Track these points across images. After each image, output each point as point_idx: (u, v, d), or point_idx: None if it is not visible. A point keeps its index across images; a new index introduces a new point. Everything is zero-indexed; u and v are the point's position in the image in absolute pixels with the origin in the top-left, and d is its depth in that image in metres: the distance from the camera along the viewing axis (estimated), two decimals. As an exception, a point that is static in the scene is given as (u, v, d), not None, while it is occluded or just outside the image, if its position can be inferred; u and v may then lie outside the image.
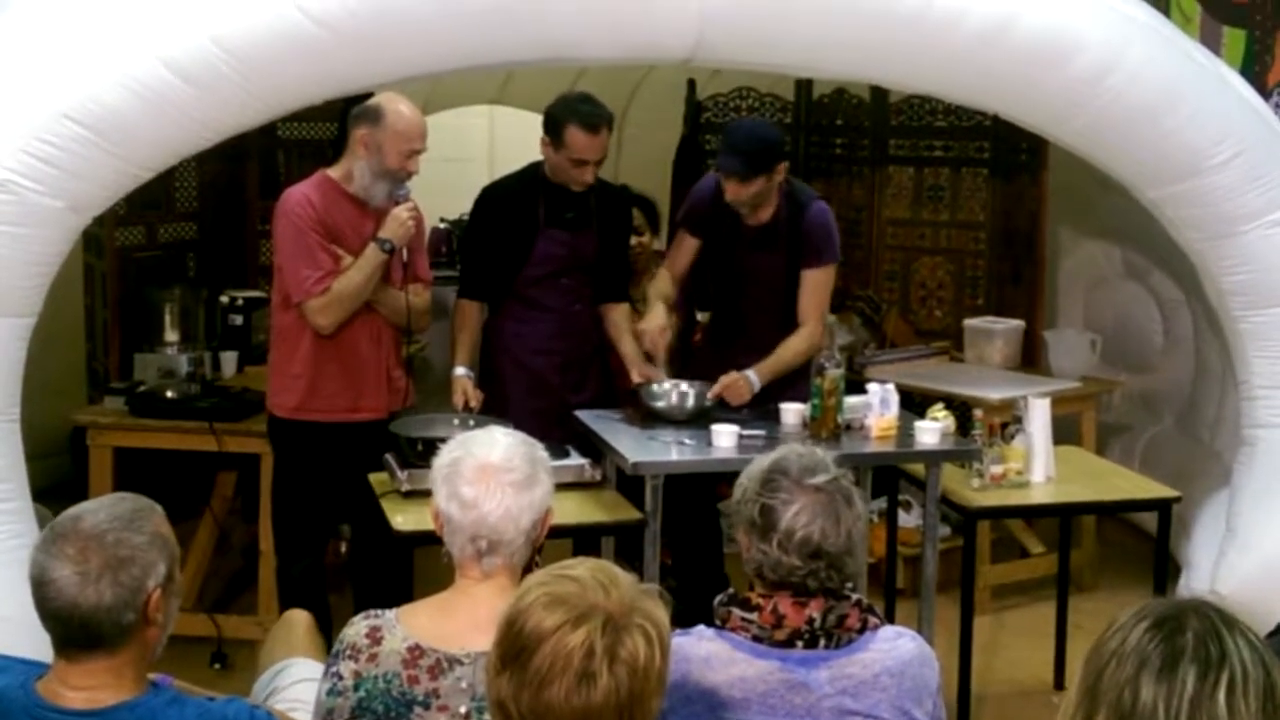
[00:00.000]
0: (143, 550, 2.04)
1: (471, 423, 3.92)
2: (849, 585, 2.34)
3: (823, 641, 2.24)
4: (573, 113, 4.20)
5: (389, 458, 3.75)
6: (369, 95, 5.97)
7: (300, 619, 3.04)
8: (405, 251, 3.96)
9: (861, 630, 2.28)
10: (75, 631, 2.02)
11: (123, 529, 2.04)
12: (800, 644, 2.24)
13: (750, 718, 2.20)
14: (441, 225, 7.32)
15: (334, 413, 3.98)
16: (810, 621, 2.24)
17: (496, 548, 2.25)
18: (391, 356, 4.07)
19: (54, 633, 2.05)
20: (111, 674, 2.05)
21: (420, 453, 3.61)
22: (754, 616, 2.25)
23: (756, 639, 2.24)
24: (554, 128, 4.23)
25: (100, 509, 2.08)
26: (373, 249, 3.91)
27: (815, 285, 4.26)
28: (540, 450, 2.36)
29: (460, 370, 4.28)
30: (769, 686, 2.20)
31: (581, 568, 1.76)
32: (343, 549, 4.77)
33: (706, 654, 2.23)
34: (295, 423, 4.00)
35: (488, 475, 2.26)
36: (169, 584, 2.08)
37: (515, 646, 1.68)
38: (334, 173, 4.00)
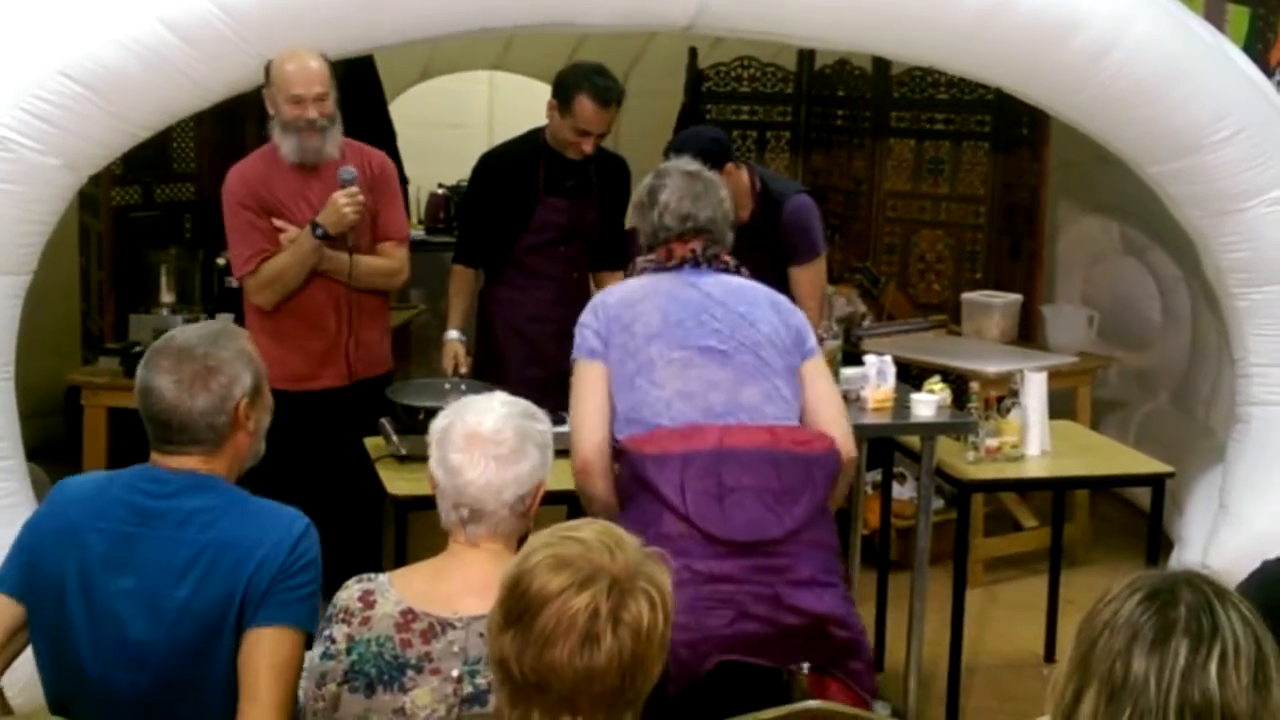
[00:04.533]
0: (228, 363, 2.32)
1: (463, 387, 3.93)
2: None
3: (704, 265, 3.05)
4: (586, 82, 4.16)
5: (385, 422, 3.75)
6: (368, 58, 5.95)
7: None
8: (349, 236, 3.83)
9: (735, 272, 3.08)
10: (175, 431, 2.30)
11: (210, 345, 2.33)
12: (688, 267, 3.04)
13: (656, 302, 2.95)
14: (440, 191, 7.30)
15: (292, 382, 3.80)
16: (694, 251, 3.05)
17: (479, 517, 2.25)
18: (357, 320, 3.95)
19: (156, 433, 2.32)
20: (206, 464, 2.33)
21: (421, 421, 3.61)
22: (653, 256, 3.07)
23: (656, 269, 3.05)
24: (564, 93, 4.19)
25: (190, 330, 2.39)
26: (305, 234, 3.79)
27: (804, 282, 4.20)
28: (538, 424, 2.32)
29: (452, 334, 4.27)
30: (669, 286, 3.00)
31: (587, 530, 1.76)
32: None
33: (625, 288, 3.04)
34: None
35: (474, 444, 2.25)
36: (256, 396, 2.37)
37: (520, 606, 1.68)
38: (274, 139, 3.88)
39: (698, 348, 2.90)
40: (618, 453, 2.87)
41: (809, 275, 4.18)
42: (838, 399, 3.06)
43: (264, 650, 2.20)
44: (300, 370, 3.89)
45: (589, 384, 2.93)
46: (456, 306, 4.36)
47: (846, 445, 2.93)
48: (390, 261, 4.00)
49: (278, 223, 3.84)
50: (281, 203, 3.85)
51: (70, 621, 2.26)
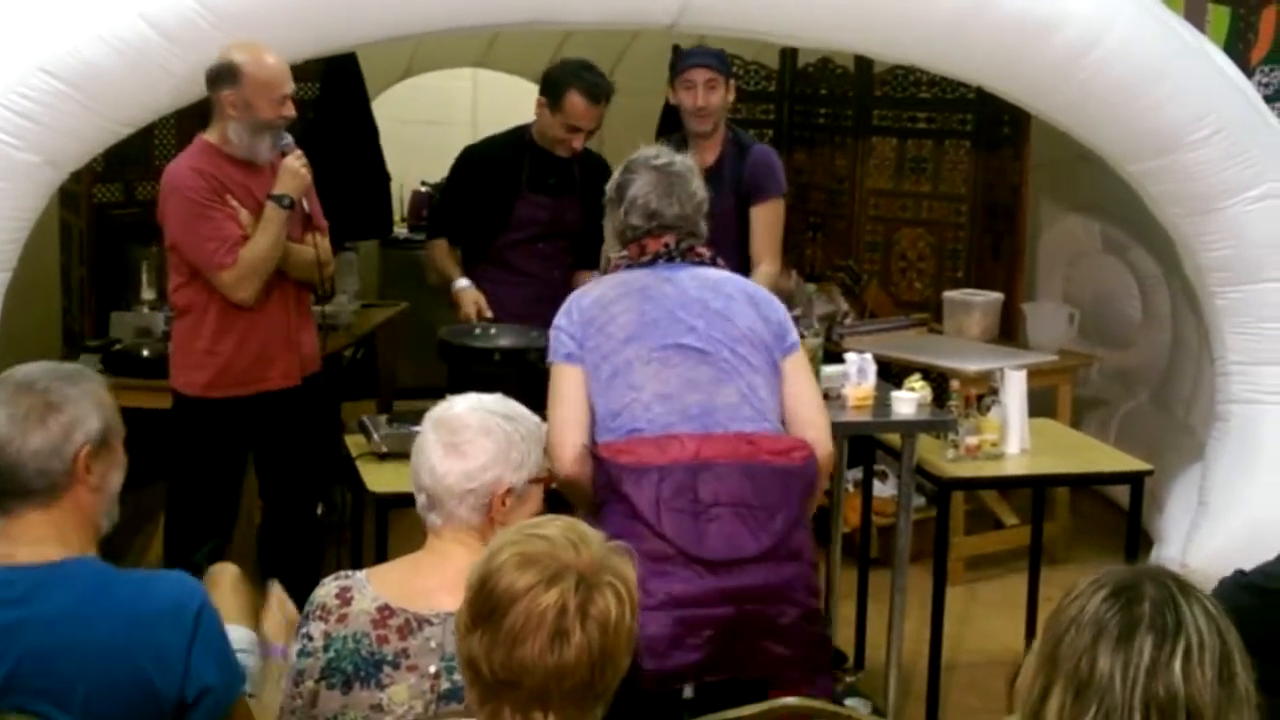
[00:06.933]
0: (73, 401, 2.05)
1: (493, 330, 3.89)
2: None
3: (679, 259, 2.99)
4: (576, 78, 4.17)
5: (366, 420, 3.74)
6: (351, 55, 5.93)
7: (225, 575, 2.82)
8: (305, 202, 3.75)
9: (711, 264, 3.02)
10: (4, 478, 2.02)
11: (54, 379, 2.07)
12: (662, 262, 2.98)
13: (631, 301, 2.91)
14: (424, 189, 7.30)
15: (247, 385, 3.76)
16: (666, 245, 2.99)
17: (433, 504, 2.27)
18: (298, 319, 3.86)
19: None
20: (52, 528, 2.04)
21: (498, 363, 3.56)
22: (625, 252, 3.02)
23: (629, 266, 2.99)
24: (553, 90, 4.20)
25: (39, 365, 2.12)
26: (271, 208, 3.65)
27: (765, 222, 4.21)
28: (507, 424, 2.28)
29: (462, 282, 4.24)
30: (644, 283, 2.95)
31: (551, 526, 1.76)
32: (320, 510, 4.73)
33: (600, 287, 2.98)
34: (206, 401, 3.77)
35: (438, 428, 2.27)
36: (102, 447, 2.07)
37: (487, 606, 1.69)
38: (210, 137, 3.72)
39: (675, 345, 2.86)
40: (595, 456, 2.81)
41: (768, 214, 4.21)
42: (817, 397, 3.03)
43: None
44: (255, 373, 3.78)
45: (567, 389, 2.87)
46: (448, 264, 4.34)
47: (824, 442, 2.92)
48: (327, 251, 3.89)
49: (231, 202, 3.68)
50: (231, 196, 3.69)
51: None
